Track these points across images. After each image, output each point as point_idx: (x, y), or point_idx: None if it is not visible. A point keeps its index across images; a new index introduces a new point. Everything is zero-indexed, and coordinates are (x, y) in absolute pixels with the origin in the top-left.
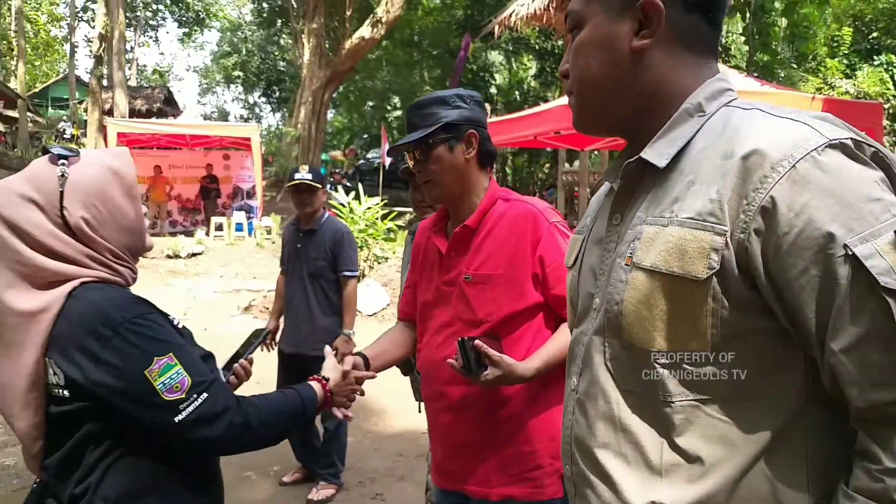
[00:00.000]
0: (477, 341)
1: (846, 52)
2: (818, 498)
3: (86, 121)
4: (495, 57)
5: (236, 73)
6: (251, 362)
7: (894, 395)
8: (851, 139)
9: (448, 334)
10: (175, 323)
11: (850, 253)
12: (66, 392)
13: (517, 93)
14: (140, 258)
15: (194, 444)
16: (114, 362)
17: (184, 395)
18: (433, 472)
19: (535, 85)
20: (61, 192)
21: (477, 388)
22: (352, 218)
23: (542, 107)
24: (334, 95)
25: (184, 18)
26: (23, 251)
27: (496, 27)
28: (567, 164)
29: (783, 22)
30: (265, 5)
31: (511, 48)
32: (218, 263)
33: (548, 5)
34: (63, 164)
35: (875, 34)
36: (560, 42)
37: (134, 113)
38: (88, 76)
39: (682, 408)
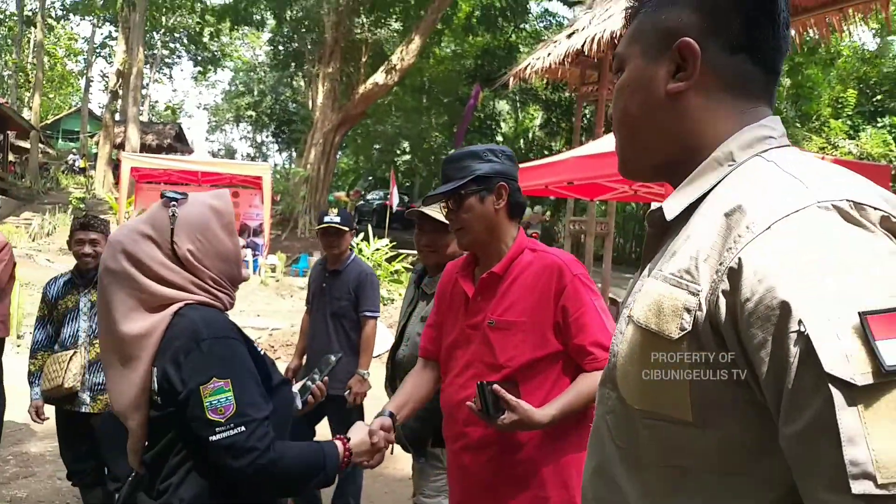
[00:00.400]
0: (495, 386)
1: (850, 113)
2: None
3: (96, 154)
4: (502, 106)
5: (248, 112)
6: (326, 384)
7: (845, 501)
8: (849, 200)
9: (469, 376)
10: (258, 349)
11: (803, 331)
12: (159, 398)
13: (522, 141)
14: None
15: (222, 469)
16: (185, 370)
17: (223, 420)
18: None
19: (540, 135)
20: (172, 229)
21: (495, 430)
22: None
23: (555, 157)
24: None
25: (199, 57)
26: (141, 280)
27: (510, 79)
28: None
29: (787, 82)
30: (280, 48)
31: (518, 98)
32: None
33: (563, 60)
34: (174, 206)
35: (879, 97)
36: (567, 94)
37: (144, 148)
38: (102, 110)
39: (665, 473)
